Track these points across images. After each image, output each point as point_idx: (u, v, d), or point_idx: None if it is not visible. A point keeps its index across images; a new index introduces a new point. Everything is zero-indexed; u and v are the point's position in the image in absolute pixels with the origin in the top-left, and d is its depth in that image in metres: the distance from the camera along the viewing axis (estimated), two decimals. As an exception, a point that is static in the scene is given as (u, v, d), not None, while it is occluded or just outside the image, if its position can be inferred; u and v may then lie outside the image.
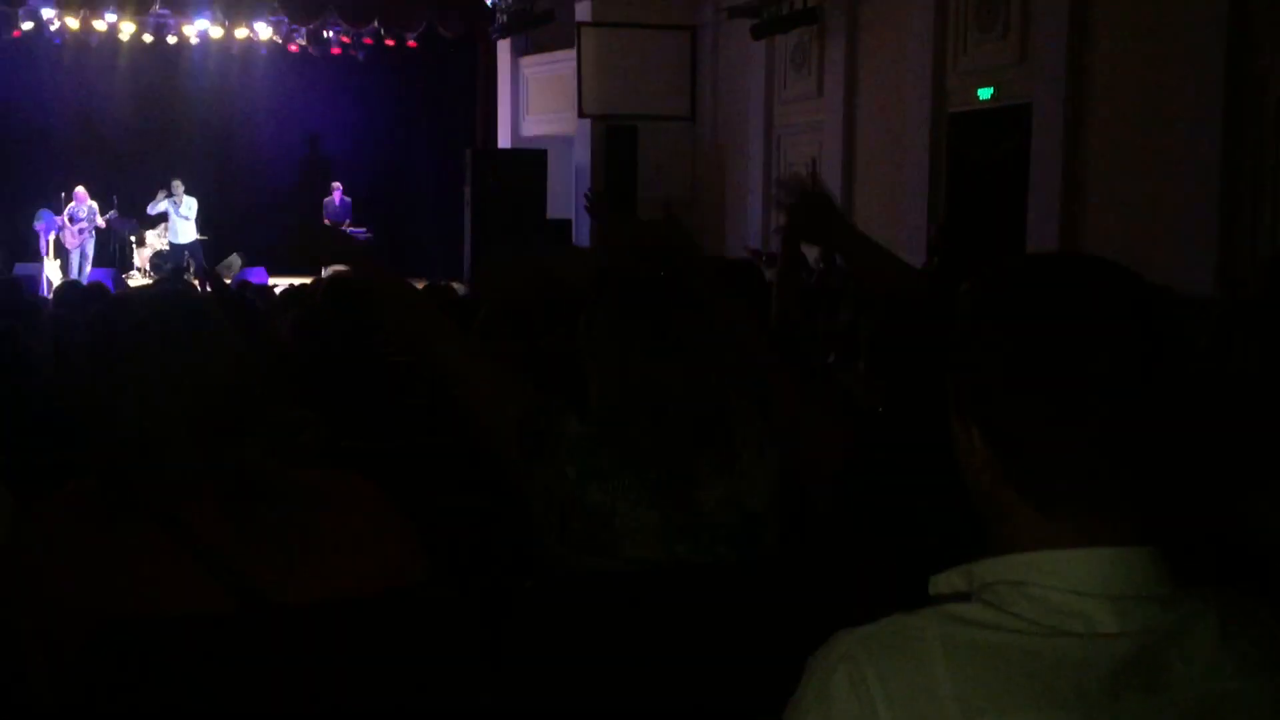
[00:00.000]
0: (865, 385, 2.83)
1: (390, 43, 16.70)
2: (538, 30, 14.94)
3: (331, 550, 1.50)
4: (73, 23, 15.33)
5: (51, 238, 14.82)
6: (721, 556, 1.81)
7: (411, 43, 16.72)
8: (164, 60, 16.62)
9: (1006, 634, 0.94)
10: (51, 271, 14.31)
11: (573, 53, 14.35)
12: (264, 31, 16.16)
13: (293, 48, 16.73)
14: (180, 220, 15.15)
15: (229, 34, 16.06)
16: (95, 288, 5.84)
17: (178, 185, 15.24)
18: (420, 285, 8.69)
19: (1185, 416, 0.99)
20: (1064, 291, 0.99)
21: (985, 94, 10.50)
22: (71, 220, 14.71)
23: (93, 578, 1.42)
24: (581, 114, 14.36)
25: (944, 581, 1.02)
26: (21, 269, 13.71)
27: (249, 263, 15.31)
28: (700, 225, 14.12)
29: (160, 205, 15.19)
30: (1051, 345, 0.97)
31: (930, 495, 2.05)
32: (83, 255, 14.72)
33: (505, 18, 15.08)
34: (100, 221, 14.91)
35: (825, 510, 2.03)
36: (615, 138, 14.34)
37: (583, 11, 14.55)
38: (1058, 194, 9.58)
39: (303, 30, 16.34)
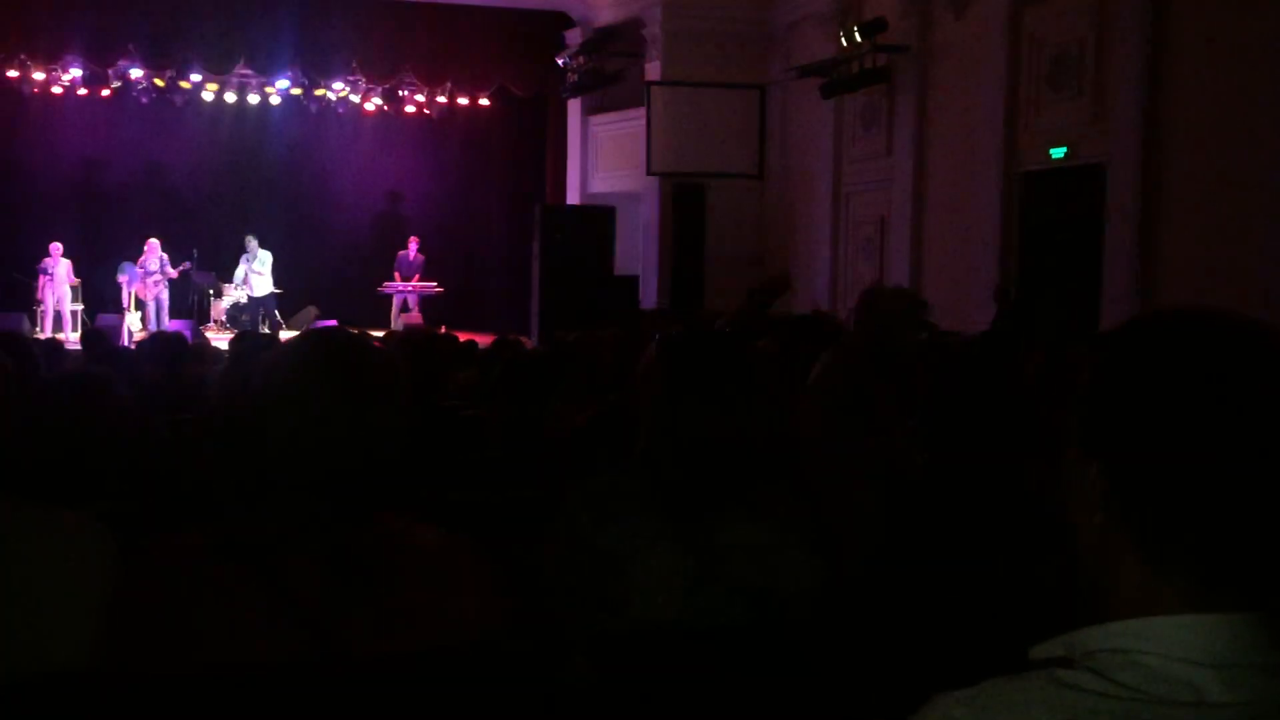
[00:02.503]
0: (914, 445, 2.79)
1: (463, 101, 17.06)
2: (608, 89, 15.16)
3: (417, 601, 1.50)
4: (159, 82, 15.87)
5: (132, 290, 15.25)
6: (736, 617, 1.77)
7: (484, 101, 17.06)
8: (246, 119, 17.14)
9: (1113, 700, 0.91)
10: (132, 322, 14.70)
11: (642, 111, 14.52)
12: (341, 91, 16.59)
13: (369, 107, 17.16)
14: (254, 274, 15.50)
15: (308, 93, 16.51)
16: (175, 337, 5.99)
17: (252, 240, 15.61)
18: (489, 340, 8.79)
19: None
20: (1236, 341, 0.96)
21: (1058, 153, 10.41)
22: (147, 273, 15.12)
23: (189, 623, 1.44)
24: (650, 171, 14.49)
25: (1045, 649, 0.99)
26: (104, 319, 14.10)
27: (324, 315, 15.61)
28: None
29: (241, 265, 15.59)
30: (1217, 397, 0.94)
31: (972, 562, 2.01)
32: (158, 306, 15.09)
33: (576, 77, 15.33)
34: (171, 272, 15.29)
35: (860, 577, 2.00)
36: (683, 195, 14.44)
37: (653, 71, 14.74)
38: (1133, 256, 9.42)
39: (379, 89, 16.76)
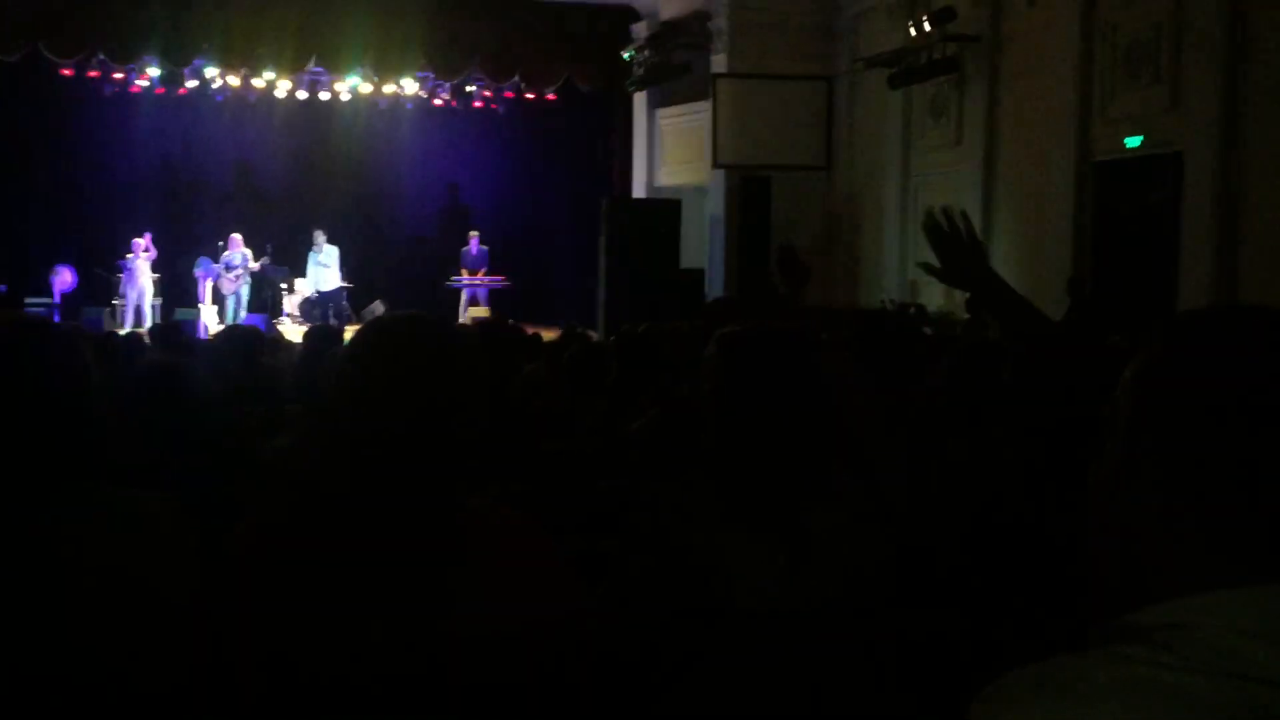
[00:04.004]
0: (1001, 440, 2.76)
1: (530, 96, 17.16)
2: (674, 82, 15.15)
3: (505, 581, 1.53)
4: (234, 80, 16.19)
5: (209, 284, 15.58)
6: (831, 598, 1.78)
7: (550, 96, 17.15)
8: (316, 115, 17.42)
9: (1181, 675, 0.90)
10: (209, 317, 15.02)
11: (708, 104, 14.50)
12: (410, 87, 16.78)
13: (437, 102, 17.34)
14: (321, 269, 15.76)
15: (377, 90, 16.73)
16: (251, 331, 6.11)
17: (319, 235, 15.88)
18: (555, 333, 8.84)
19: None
20: None
21: (1133, 142, 10.19)
22: (228, 268, 15.44)
23: (276, 604, 1.48)
24: (716, 164, 14.47)
25: (1104, 628, 0.99)
26: (182, 314, 14.43)
27: (391, 309, 15.80)
28: (834, 276, 14.02)
29: (312, 260, 15.87)
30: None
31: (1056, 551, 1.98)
32: (238, 301, 15.42)
33: (642, 70, 15.34)
34: (254, 266, 15.61)
35: (948, 566, 1.99)
36: (749, 188, 14.39)
37: (719, 63, 14.70)
38: (1212, 246, 9.20)
39: (447, 85, 16.93)
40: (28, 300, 12.66)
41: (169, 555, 1.58)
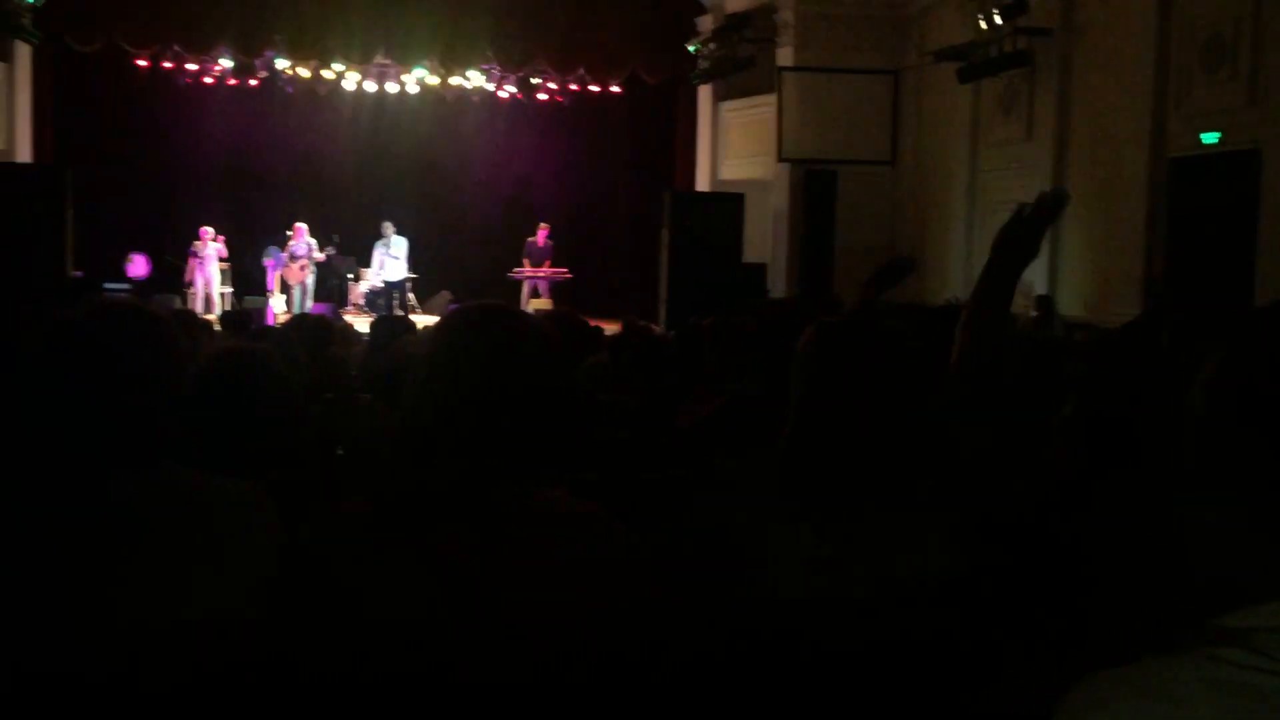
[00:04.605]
0: (1065, 435, 2.71)
1: (594, 88, 17.18)
2: (738, 75, 15.09)
3: (568, 569, 1.53)
4: (304, 73, 16.43)
5: (277, 273, 15.83)
6: (872, 604, 1.76)
7: (615, 88, 17.16)
8: (384, 107, 17.61)
9: (1275, 678, 0.89)
10: (277, 305, 15.26)
11: (773, 97, 14.42)
12: (476, 79, 16.89)
13: (502, 95, 17.43)
14: (390, 259, 15.94)
15: (444, 82, 16.86)
16: (320, 319, 6.20)
17: (387, 226, 16.06)
18: (615, 326, 8.85)
19: None
20: None
21: (1210, 138, 9.96)
22: (293, 257, 15.67)
23: (348, 585, 1.50)
24: (781, 158, 14.39)
25: (1196, 631, 0.97)
26: (250, 302, 14.68)
27: (456, 299, 15.94)
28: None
29: (377, 251, 16.06)
30: None
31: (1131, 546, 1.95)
32: (304, 290, 15.65)
33: (707, 63, 15.29)
34: (319, 255, 15.83)
35: (1013, 562, 1.95)
36: (814, 182, 14.30)
37: (784, 56, 14.62)
38: (1290, 245, 8.98)
39: (513, 78, 17.01)
40: (107, 285, 12.95)
41: (252, 539, 1.61)
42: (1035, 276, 11.65)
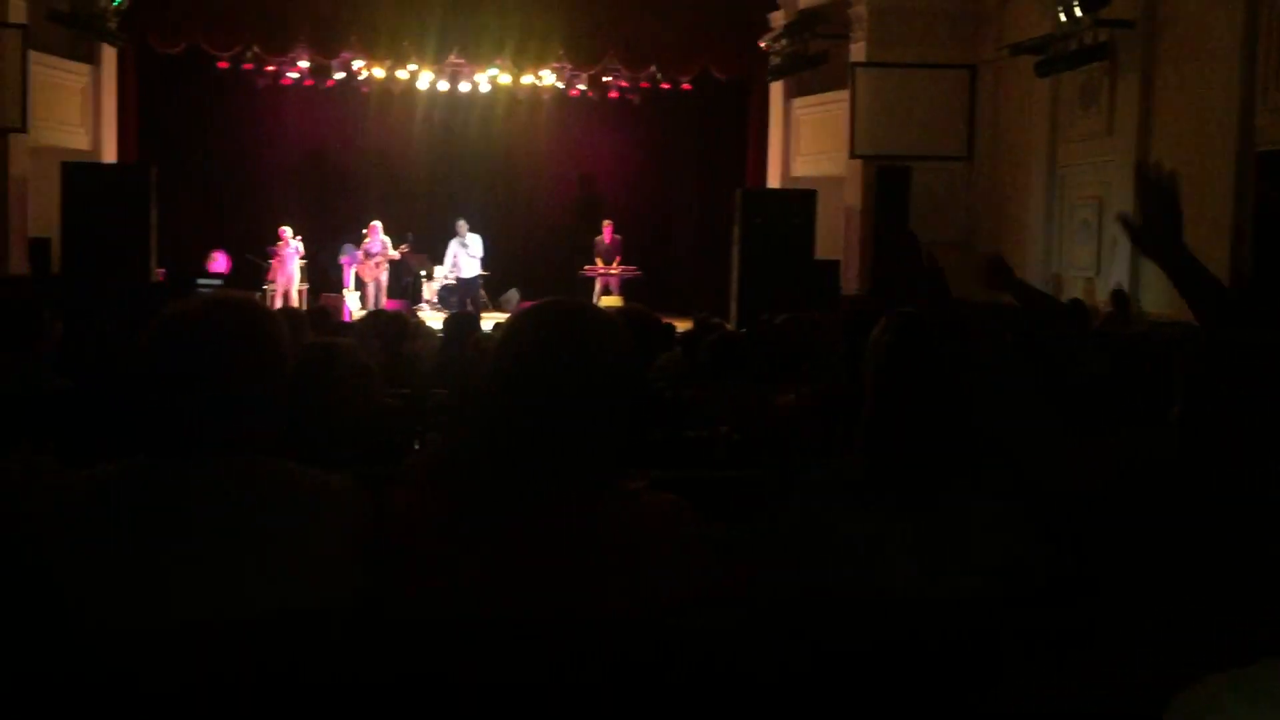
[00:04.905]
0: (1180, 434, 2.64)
1: (666, 86, 17.17)
2: (811, 71, 14.97)
3: (651, 565, 1.53)
4: (379, 73, 16.64)
5: (352, 271, 16.07)
6: (970, 595, 1.73)
7: (686, 85, 17.13)
8: (456, 106, 17.78)
9: None
10: (352, 302, 15.49)
11: (845, 93, 14.28)
12: (547, 77, 16.97)
13: (573, 92, 17.50)
14: (466, 257, 16.10)
15: (516, 81, 16.97)
16: (395, 315, 6.28)
17: (462, 224, 16.22)
18: (685, 323, 8.83)
19: None
20: None
21: (1300, 131, 9.66)
22: (367, 254, 15.89)
23: (434, 575, 1.51)
24: (853, 154, 14.25)
25: None
26: (326, 299, 14.91)
27: (526, 298, 16.05)
28: (975, 269, 13.66)
29: (451, 248, 16.22)
30: None
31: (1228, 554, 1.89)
32: (378, 286, 15.86)
33: (779, 59, 15.20)
34: (394, 253, 16.03)
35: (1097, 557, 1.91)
36: (887, 178, 14.13)
37: (857, 52, 14.47)
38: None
39: (583, 76, 17.07)
40: (199, 281, 13.26)
41: (343, 531, 1.63)
42: (1118, 273, 11.42)
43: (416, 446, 3.26)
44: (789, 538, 1.84)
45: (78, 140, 14.84)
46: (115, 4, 13.74)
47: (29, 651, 1.44)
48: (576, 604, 1.48)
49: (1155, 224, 2.05)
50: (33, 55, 12.84)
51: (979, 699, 1.53)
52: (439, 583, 1.50)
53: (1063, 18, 11.75)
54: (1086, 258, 12.33)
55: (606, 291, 16.43)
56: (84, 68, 14.83)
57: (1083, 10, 11.47)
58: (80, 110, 14.95)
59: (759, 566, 1.80)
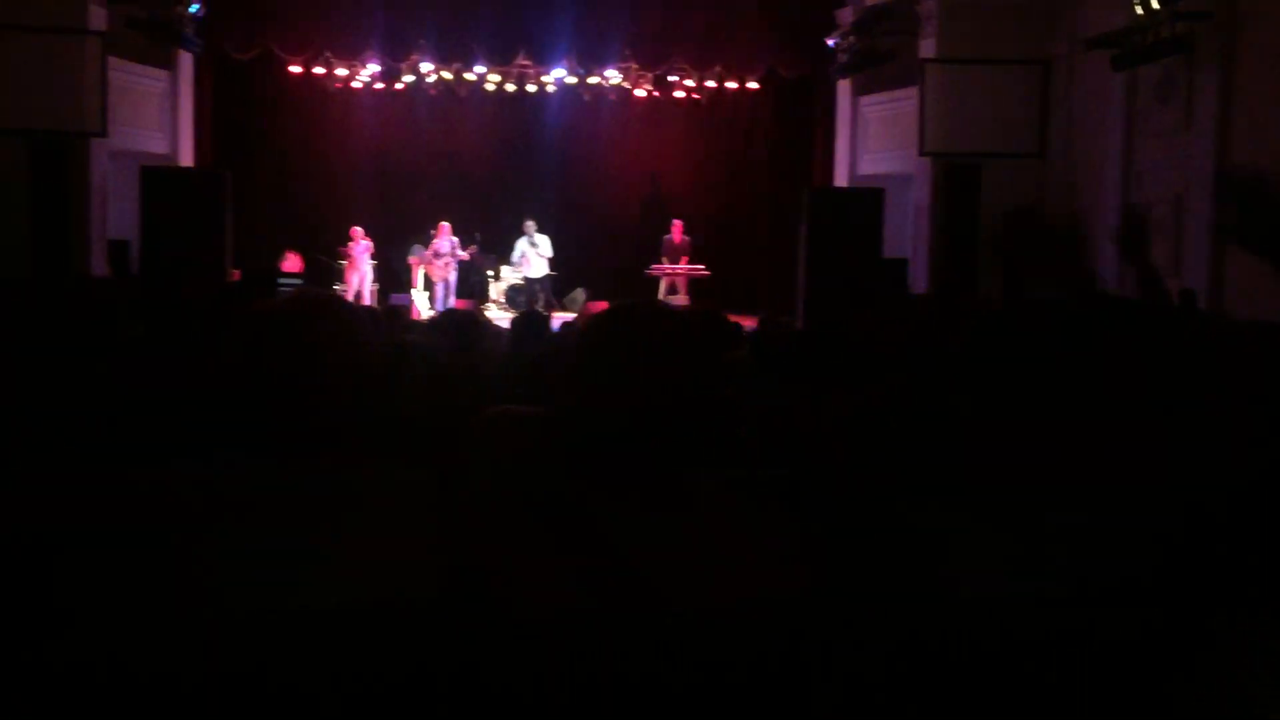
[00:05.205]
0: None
1: (732, 85, 17.12)
2: (879, 68, 14.84)
3: (727, 557, 1.53)
4: (447, 75, 16.82)
5: (421, 270, 16.26)
6: (1061, 600, 1.70)
7: (752, 84, 17.07)
8: (523, 107, 17.92)
9: None
10: (420, 301, 15.67)
11: (914, 90, 14.13)
12: (613, 77, 17.02)
13: (639, 93, 17.53)
14: (537, 256, 16.23)
15: (582, 81, 17.04)
16: (467, 314, 6.34)
17: (530, 224, 16.34)
18: (751, 322, 8.80)
19: None
20: None
21: (1390, 124, 9.36)
22: (436, 255, 16.07)
23: (513, 569, 1.52)
24: (923, 152, 14.09)
25: None
26: (396, 299, 15.10)
27: (593, 297, 16.11)
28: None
29: (519, 248, 16.36)
30: None
31: None
32: (446, 287, 16.03)
33: (846, 57, 15.09)
34: (463, 254, 16.20)
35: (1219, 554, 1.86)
36: (957, 176, 13.95)
37: (927, 48, 14.32)
38: None
39: (649, 76, 17.09)
40: (280, 281, 13.52)
41: (424, 527, 1.65)
42: (1196, 273, 11.16)
43: (488, 442, 3.28)
44: (880, 539, 1.82)
45: (156, 144, 15.19)
46: (192, 11, 14.06)
47: (137, 645, 1.47)
48: (650, 601, 1.48)
49: (1260, 221, 1.99)
50: (112, 61, 13.17)
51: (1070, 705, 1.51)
52: (515, 577, 1.51)
53: (1139, 10, 11.52)
54: (1163, 257, 12.08)
55: (673, 290, 16.43)
56: (162, 73, 15.18)
57: (1160, 2, 11.23)
58: (158, 115, 15.30)
59: (837, 565, 1.78)
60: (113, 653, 1.47)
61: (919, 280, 14.32)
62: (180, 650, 1.50)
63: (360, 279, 15.92)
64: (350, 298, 15.52)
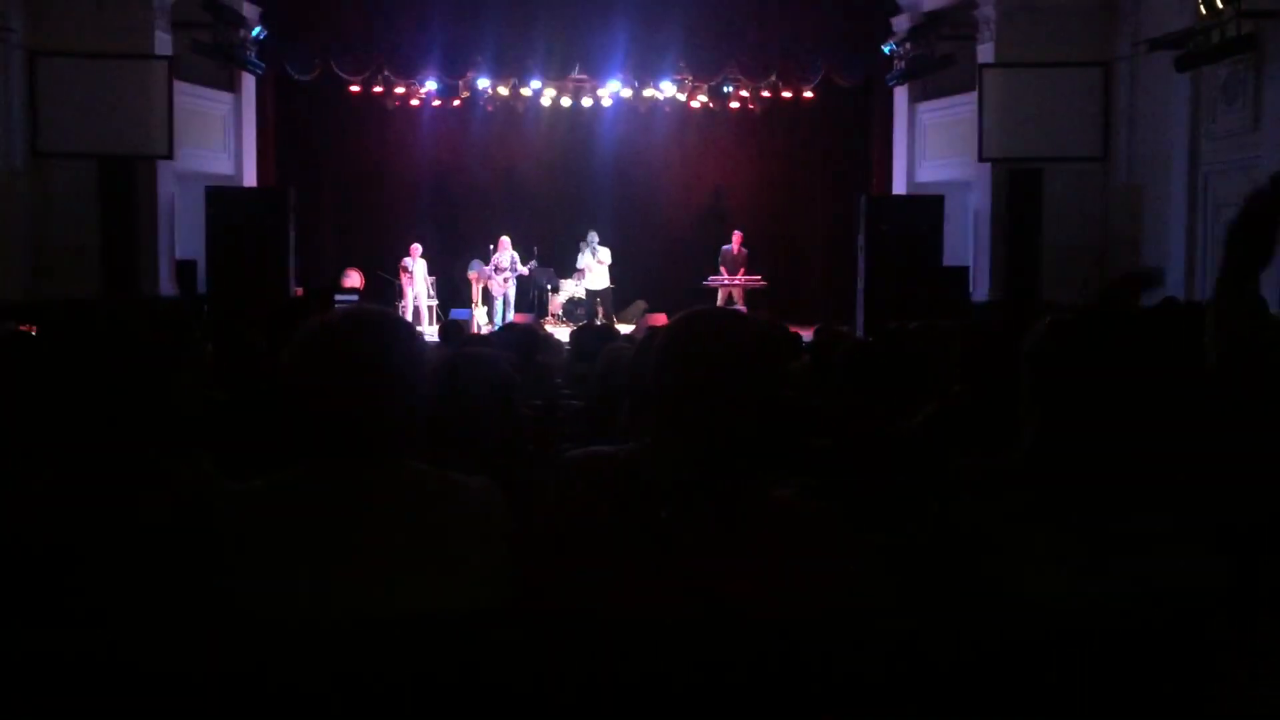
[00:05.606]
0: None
1: (787, 94, 17.08)
2: (936, 74, 14.72)
3: (806, 571, 1.52)
4: (503, 91, 16.98)
5: (480, 285, 16.40)
6: (1128, 609, 1.66)
7: (808, 93, 17.01)
8: (579, 121, 18.02)
9: None
10: (480, 316, 15.80)
11: (972, 96, 14.00)
12: (668, 89, 17.06)
13: (694, 104, 17.54)
14: (597, 267, 16.32)
15: (637, 94, 17.11)
16: (529, 328, 6.38)
17: (593, 236, 16.44)
18: (809, 331, 8.74)
19: None
20: None
21: None
22: (496, 269, 16.19)
23: (580, 575, 1.52)
24: (982, 158, 13.95)
25: None
26: (456, 313, 15.24)
27: (652, 308, 16.12)
28: (1113, 274, 13.23)
29: (582, 258, 16.48)
30: None
31: None
32: (505, 301, 16.15)
33: (903, 64, 14.98)
34: (522, 269, 16.32)
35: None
36: (1018, 181, 13.78)
37: (985, 53, 14.17)
38: None
39: (704, 87, 17.10)
40: (337, 298, 13.74)
41: (488, 534, 1.66)
42: (1271, 279, 10.89)
43: (552, 454, 3.30)
44: (950, 547, 1.80)
45: (221, 165, 15.49)
46: (254, 34, 14.34)
47: (201, 649, 1.49)
48: (728, 609, 1.48)
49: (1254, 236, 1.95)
50: (177, 85, 13.48)
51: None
52: (586, 585, 1.51)
53: (1203, 9, 11.31)
54: (1233, 259, 11.81)
55: (730, 301, 16.39)
56: (226, 95, 15.49)
57: (1224, 1, 11.01)
58: (222, 136, 15.61)
59: (919, 574, 1.77)
60: (182, 657, 1.49)
61: (979, 287, 14.16)
62: (246, 656, 1.51)
63: (418, 295, 16.09)
64: (408, 313, 15.69)
